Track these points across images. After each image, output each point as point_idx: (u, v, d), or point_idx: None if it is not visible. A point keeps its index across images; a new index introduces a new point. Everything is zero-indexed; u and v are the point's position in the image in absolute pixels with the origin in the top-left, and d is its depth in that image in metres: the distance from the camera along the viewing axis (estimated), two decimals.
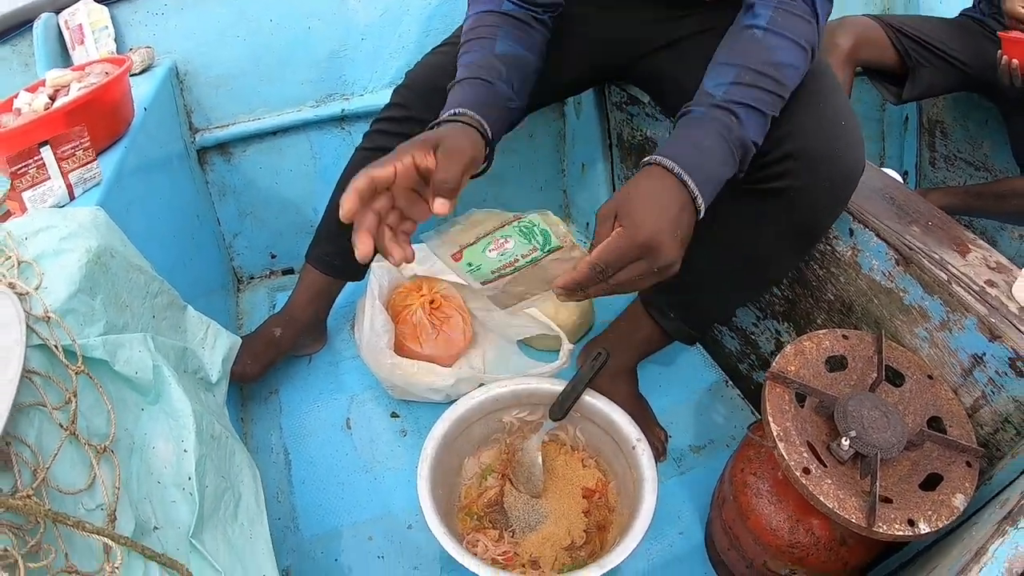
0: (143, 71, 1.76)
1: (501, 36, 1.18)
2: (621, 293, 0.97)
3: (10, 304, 0.81)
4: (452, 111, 1.08)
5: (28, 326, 0.79)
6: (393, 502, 1.49)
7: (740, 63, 1.04)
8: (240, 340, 1.35)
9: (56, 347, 0.83)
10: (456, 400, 1.38)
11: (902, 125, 2.46)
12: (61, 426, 0.78)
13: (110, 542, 0.73)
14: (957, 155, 2.29)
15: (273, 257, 2.18)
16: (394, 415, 1.67)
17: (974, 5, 2.06)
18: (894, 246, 1.17)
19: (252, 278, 2.19)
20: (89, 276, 0.95)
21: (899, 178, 1.64)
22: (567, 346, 1.60)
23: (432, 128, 1.05)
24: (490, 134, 1.09)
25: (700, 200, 0.97)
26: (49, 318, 0.85)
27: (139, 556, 0.78)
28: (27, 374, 0.74)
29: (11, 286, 0.87)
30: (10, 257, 0.94)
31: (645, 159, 1.00)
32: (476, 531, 1.33)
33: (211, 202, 2.03)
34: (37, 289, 0.89)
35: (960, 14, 2.08)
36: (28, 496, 0.68)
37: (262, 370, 1.65)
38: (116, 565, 0.73)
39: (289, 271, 2.19)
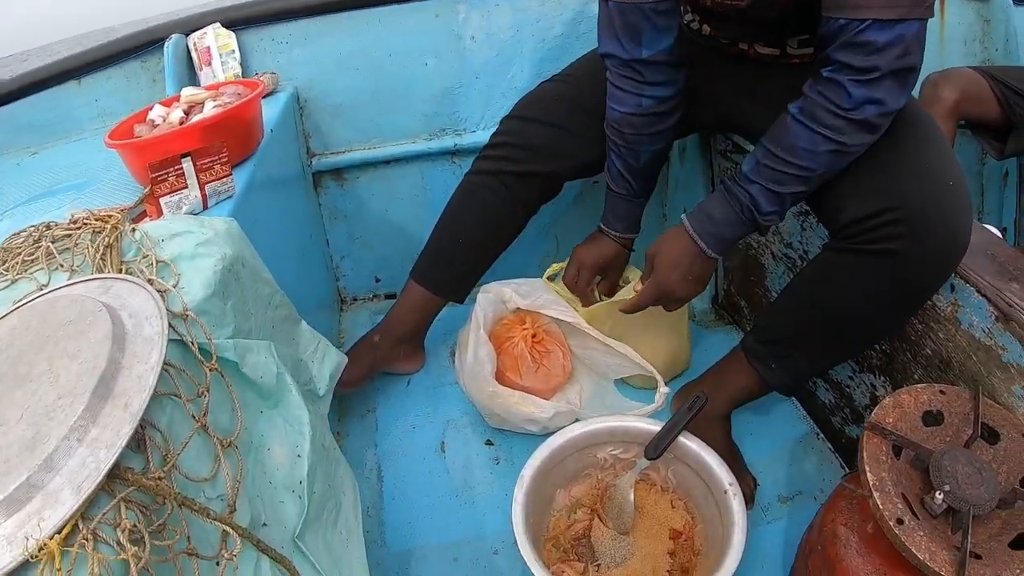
0: (268, 95, 1.84)
1: (644, 146, 1.47)
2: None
3: (150, 299, 0.86)
4: (609, 228, 1.63)
5: (167, 322, 0.84)
6: (481, 527, 1.50)
7: (769, 146, 1.21)
8: (346, 359, 1.39)
9: (192, 343, 0.88)
10: (553, 432, 1.40)
11: (1001, 179, 2.39)
12: (193, 417, 0.82)
13: (230, 530, 0.76)
14: None
15: (377, 281, 2.24)
16: (489, 443, 1.69)
17: None
18: (994, 303, 1.14)
19: (356, 299, 2.26)
20: (223, 282, 1.00)
21: (999, 233, 1.59)
22: (663, 389, 1.61)
23: (596, 238, 1.66)
24: (633, 236, 1.65)
25: (709, 252, 1.33)
26: (187, 316, 0.90)
27: (252, 548, 0.81)
28: (164, 366, 0.79)
29: (150, 282, 0.93)
30: (147, 256, 1.00)
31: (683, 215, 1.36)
32: (562, 562, 1.34)
33: (322, 224, 2.10)
34: (175, 287, 0.94)
35: None
36: (159, 478, 0.72)
37: (360, 376, 1.71)
38: (234, 553, 0.76)
39: (392, 296, 2.24)
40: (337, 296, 2.21)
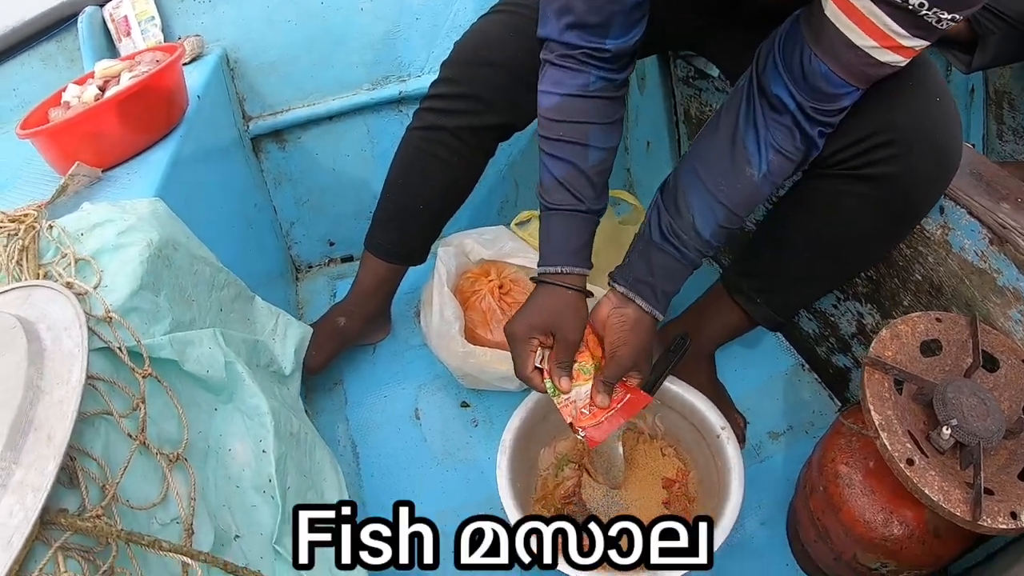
0: (193, 60, 1.75)
1: (592, 138, 1.15)
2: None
3: (68, 306, 0.77)
4: (558, 268, 1.17)
5: (89, 328, 0.75)
6: (467, 495, 1.47)
7: (729, 205, 1.10)
8: (311, 329, 1.34)
9: (120, 349, 0.79)
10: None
11: (968, 96, 2.33)
12: (130, 435, 0.74)
13: (188, 560, 0.68)
14: None
15: (332, 245, 2.17)
16: (464, 404, 1.65)
17: None
18: (987, 224, 1.11)
19: (311, 267, 2.19)
20: (152, 271, 0.93)
21: None
22: None
23: (540, 283, 1.18)
24: (587, 273, 1.21)
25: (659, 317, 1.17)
26: (111, 318, 0.81)
27: (220, 572, 0.74)
28: (90, 380, 0.71)
29: (68, 286, 0.84)
30: (66, 255, 0.92)
31: (620, 290, 1.16)
32: None
33: (267, 191, 2.02)
34: (96, 288, 0.86)
35: None
36: (98, 516, 0.64)
37: (326, 361, 1.64)
38: None
39: (348, 258, 2.18)
40: (291, 265, 2.14)
